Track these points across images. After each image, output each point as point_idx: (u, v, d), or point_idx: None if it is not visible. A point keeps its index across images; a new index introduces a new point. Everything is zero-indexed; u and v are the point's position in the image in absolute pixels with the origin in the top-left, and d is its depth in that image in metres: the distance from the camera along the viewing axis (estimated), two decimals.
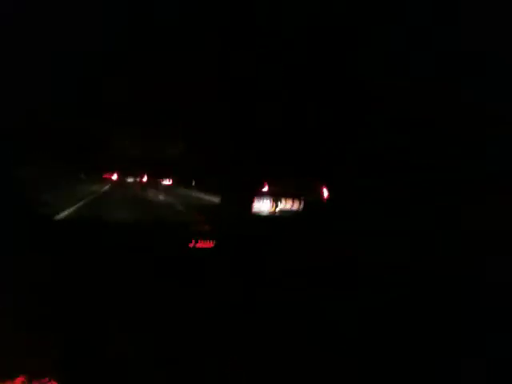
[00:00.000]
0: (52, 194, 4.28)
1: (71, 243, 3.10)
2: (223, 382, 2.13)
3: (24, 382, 1.90)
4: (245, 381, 2.13)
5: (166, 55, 3.76)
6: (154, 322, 2.47)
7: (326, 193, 3.94)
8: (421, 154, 3.55)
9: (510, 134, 3.24)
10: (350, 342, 2.39)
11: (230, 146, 3.98)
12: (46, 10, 3.34)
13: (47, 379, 1.92)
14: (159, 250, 3.07)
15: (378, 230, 3.43)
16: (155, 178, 5.99)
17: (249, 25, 3.55)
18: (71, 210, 4.61)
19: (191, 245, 3.10)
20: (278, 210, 4.03)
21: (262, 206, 3.99)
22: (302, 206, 4.03)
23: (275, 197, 4.05)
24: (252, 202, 3.90)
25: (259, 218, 3.91)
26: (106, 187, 5.92)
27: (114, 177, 5.72)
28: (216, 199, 4.56)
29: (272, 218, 3.99)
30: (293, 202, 4.09)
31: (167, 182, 6.02)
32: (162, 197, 5.98)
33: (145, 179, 5.95)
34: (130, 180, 5.91)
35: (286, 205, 4.07)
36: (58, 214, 4.01)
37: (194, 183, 5.74)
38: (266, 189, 4.09)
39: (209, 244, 3.13)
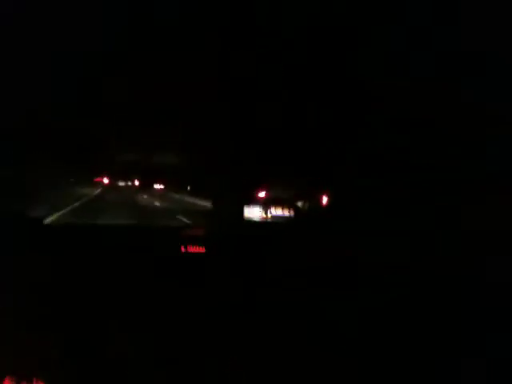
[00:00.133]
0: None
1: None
2: (223, 382, 2.13)
3: (13, 382, 1.90)
4: (245, 381, 2.13)
5: (165, 55, 3.76)
6: (153, 322, 2.47)
7: (325, 199, 3.94)
8: (421, 154, 3.55)
9: (509, 133, 3.24)
10: (350, 342, 2.39)
11: (230, 146, 3.98)
12: (46, 9, 3.34)
13: (35, 379, 1.91)
14: (153, 253, 3.05)
15: (377, 230, 3.42)
16: (147, 182, 5.89)
17: (249, 25, 3.55)
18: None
19: (183, 249, 3.08)
20: (269, 215, 4.02)
21: (253, 212, 3.98)
22: (294, 212, 4.04)
23: (267, 203, 4.05)
24: (244, 207, 3.89)
25: (252, 223, 3.91)
26: (97, 191, 5.82)
27: (106, 180, 5.59)
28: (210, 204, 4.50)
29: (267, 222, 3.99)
30: (284, 208, 4.08)
31: (159, 186, 5.93)
32: (154, 202, 5.91)
33: (137, 183, 5.85)
34: (122, 184, 5.79)
35: (277, 211, 4.06)
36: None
37: (188, 188, 5.62)
38: (260, 194, 4.09)
39: (201, 249, 3.10)
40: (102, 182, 5.66)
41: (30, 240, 3.04)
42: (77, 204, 5.40)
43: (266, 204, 4.02)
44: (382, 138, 3.65)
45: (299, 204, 4.11)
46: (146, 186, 5.98)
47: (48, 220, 4.11)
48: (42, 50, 3.52)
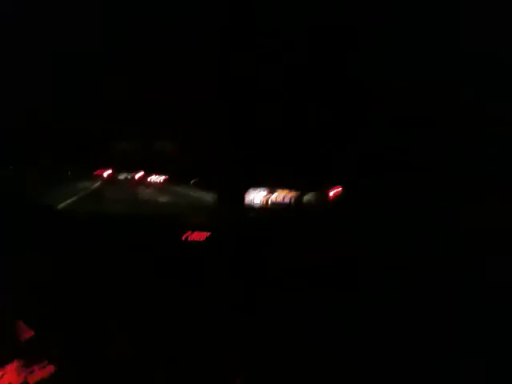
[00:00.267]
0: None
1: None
2: (223, 382, 2.13)
3: (20, 366, 1.90)
4: (245, 381, 2.13)
5: (166, 55, 3.76)
6: (153, 322, 2.47)
7: (332, 193, 3.94)
8: (421, 154, 3.55)
9: (509, 133, 3.24)
10: (350, 342, 2.39)
11: (230, 146, 3.98)
12: (46, 9, 3.34)
13: (46, 362, 1.92)
14: (155, 247, 3.04)
15: (378, 230, 3.42)
16: (150, 174, 5.75)
17: (249, 25, 3.55)
18: None
19: (183, 237, 3.07)
20: (269, 202, 4.02)
21: (255, 199, 3.99)
22: (294, 200, 4.03)
23: (268, 189, 4.04)
24: (245, 195, 3.89)
25: (256, 215, 3.90)
26: (96, 185, 5.62)
27: (106, 173, 5.39)
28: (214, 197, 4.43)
29: (270, 215, 3.98)
30: (285, 195, 4.08)
31: (162, 178, 5.79)
32: (156, 194, 5.79)
33: (139, 176, 5.69)
34: (122, 177, 5.62)
35: (278, 199, 4.06)
36: None
37: (193, 181, 5.46)
38: (260, 183, 4.08)
39: (202, 235, 3.08)
40: (102, 175, 5.46)
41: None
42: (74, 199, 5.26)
43: (267, 191, 4.03)
44: (381, 137, 3.65)
45: (305, 198, 4.11)
46: (149, 178, 5.83)
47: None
48: (41, 50, 3.52)
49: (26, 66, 3.51)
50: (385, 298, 2.72)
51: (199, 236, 3.10)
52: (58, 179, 5.04)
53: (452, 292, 2.78)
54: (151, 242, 3.21)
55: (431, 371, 2.19)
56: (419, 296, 2.75)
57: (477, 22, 3.18)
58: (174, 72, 3.83)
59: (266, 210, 4.00)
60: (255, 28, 3.56)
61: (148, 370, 2.13)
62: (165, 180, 5.71)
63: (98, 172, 5.41)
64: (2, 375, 1.88)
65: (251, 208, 3.96)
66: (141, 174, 5.66)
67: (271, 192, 4.05)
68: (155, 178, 5.76)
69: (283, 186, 4.18)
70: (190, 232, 3.09)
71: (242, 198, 3.96)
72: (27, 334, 2.11)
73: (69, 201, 4.81)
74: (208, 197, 4.91)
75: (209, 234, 3.10)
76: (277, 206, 4.06)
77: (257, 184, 4.06)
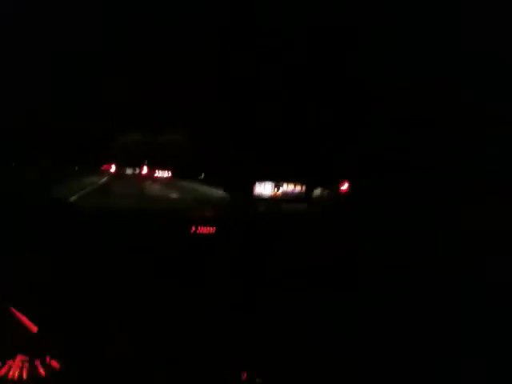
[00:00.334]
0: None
1: None
2: (223, 382, 2.13)
3: (24, 361, 1.90)
4: (245, 381, 2.13)
5: (166, 55, 3.76)
6: (153, 322, 2.47)
7: (345, 186, 3.93)
8: (421, 154, 3.55)
9: (509, 133, 3.24)
10: (350, 342, 2.39)
11: (230, 146, 3.98)
12: (46, 10, 3.35)
13: (49, 358, 1.92)
14: (157, 244, 3.04)
15: (377, 229, 3.42)
16: (155, 169, 5.77)
17: (249, 25, 3.55)
18: None
19: (192, 231, 3.07)
20: (279, 192, 4.03)
21: (264, 190, 4.00)
22: (303, 189, 4.04)
23: (277, 181, 4.06)
24: (253, 185, 3.91)
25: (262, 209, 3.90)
26: (104, 179, 5.64)
27: (112, 168, 5.46)
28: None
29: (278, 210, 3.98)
30: (295, 186, 4.09)
31: (166, 173, 5.79)
32: (163, 190, 5.75)
33: (145, 171, 5.71)
34: (129, 172, 5.66)
35: (288, 187, 4.07)
36: None
37: (203, 176, 5.32)
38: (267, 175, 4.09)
39: (211, 229, 3.08)
40: (109, 170, 5.54)
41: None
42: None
43: (275, 182, 4.05)
44: (382, 137, 3.65)
45: (317, 191, 4.12)
46: (154, 172, 5.84)
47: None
48: (42, 50, 3.52)
49: (26, 66, 3.51)
50: (385, 298, 2.72)
51: (206, 230, 3.10)
52: (65, 174, 5.03)
53: (452, 292, 2.78)
54: (154, 239, 3.20)
55: (431, 371, 2.19)
56: (419, 296, 2.75)
57: (477, 22, 3.19)
58: (174, 72, 3.83)
59: (274, 205, 4.01)
60: (255, 28, 3.56)
61: (148, 369, 2.13)
62: (171, 175, 5.72)
63: (105, 167, 5.47)
64: (6, 371, 1.88)
65: (259, 203, 3.97)
66: (147, 169, 5.69)
67: (278, 187, 4.07)
68: (162, 173, 5.76)
69: (290, 182, 4.18)
70: (195, 227, 3.09)
71: (250, 195, 3.97)
72: (33, 328, 2.11)
73: (76, 196, 4.81)
74: (215, 192, 4.88)
75: (215, 228, 3.10)
76: (286, 201, 4.08)
77: (263, 180, 4.06)
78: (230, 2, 3.50)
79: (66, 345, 2.21)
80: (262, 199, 3.96)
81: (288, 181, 4.13)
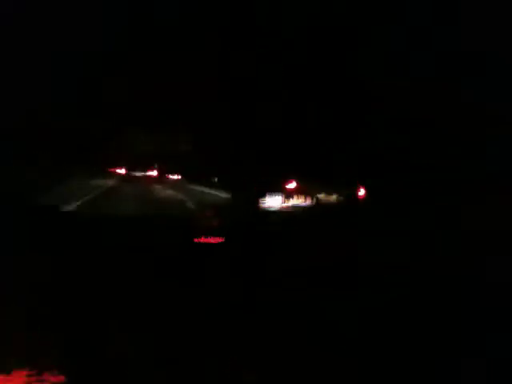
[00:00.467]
0: None
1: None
2: (223, 382, 2.13)
3: (30, 375, 1.91)
4: (245, 381, 2.13)
5: (166, 55, 3.76)
6: (154, 322, 2.47)
7: (362, 192, 3.95)
8: (421, 154, 3.55)
9: (509, 134, 3.24)
10: (350, 342, 2.39)
11: (230, 146, 3.98)
12: (46, 9, 3.35)
13: (56, 371, 1.92)
14: (160, 249, 3.05)
15: (378, 229, 3.42)
16: (164, 172, 5.81)
17: (249, 25, 3.56)
18: None
19: (196, 240, 3.09)
20: (290, 205, 4.05)
21: (273, 202, 4.02)
22: (314, 202, 4.05)
23: (288, 193, 4.08)
24: (260, 197, 3.92)
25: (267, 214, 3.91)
26: (112, 182, 5.67)
27: (122, 171, 5.52)
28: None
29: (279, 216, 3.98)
30: (305, 198, 4.11)
31: (175, 177, 5.85)
32: (174, 193, 5.74)
33: (155, 173, 5.75)
34: (138, 174, 5.71)
35: (299, 200, 4.09)
36: None
37: (216, 179, 5.26)
38: (289, 185, 4.11)
39: (215, 240, 3.11)
40: (116, 172, 5.58)
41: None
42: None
43: (285, 194, 4.07)
44: (382, 137, 3.65)
45: (333, 197, 4.13)
46: (163, 176, 5.88)
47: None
48: (42, 50, 3.53)
49: (26, 66, 3.51)
50: (385, 298, 2.72)
51: (212, 240, 3.14)
52: (71, 175, 5.05)
53: (452, 292, 2.78)
54: (156, 240, 3.21)
55: (431, 371, 2.19)
56: (419, 296, 2.75)
57: (477, 22, 3.19)
58: (174, 72, 3.83)
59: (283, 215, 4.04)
60: (255, 28, 3.56)
61: (148, 369, 2.13)
62: (178, 178, 5.78)
63: (112, 169, 5.53)
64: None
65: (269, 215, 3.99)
66: (155, 171, 5.74)
67: (288, 200, 4.09)
68: (171, 176, 5.82)
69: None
70: (202, 237, 3.13)
71: (251, 194, 3.97)
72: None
73: (84, 199, 4.84)
74: (221, 194, 4.88)
75: (222, 239, 3.14)
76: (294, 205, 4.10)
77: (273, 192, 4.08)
78: (230, 2, 3.50)
79: (66, 345, 2.21)
80: (272, 211, 3.98)
81: (288, 180, 4.14)
